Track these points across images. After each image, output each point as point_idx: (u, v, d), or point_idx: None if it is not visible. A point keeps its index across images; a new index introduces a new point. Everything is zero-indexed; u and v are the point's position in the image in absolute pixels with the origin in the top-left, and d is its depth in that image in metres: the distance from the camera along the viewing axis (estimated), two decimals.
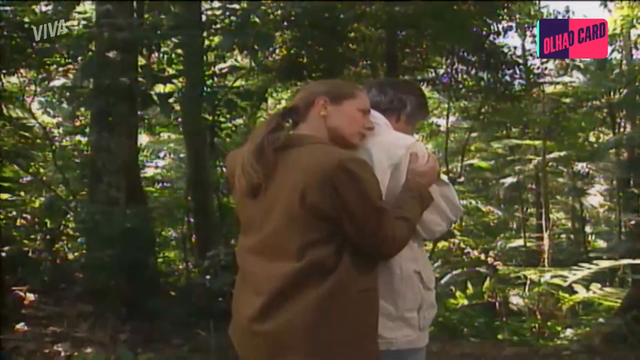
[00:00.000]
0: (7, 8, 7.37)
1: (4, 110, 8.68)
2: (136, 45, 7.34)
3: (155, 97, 7.40)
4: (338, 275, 2.05)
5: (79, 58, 7.24)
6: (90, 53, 7.22)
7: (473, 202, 13.72)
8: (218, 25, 7.87)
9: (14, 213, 8.61)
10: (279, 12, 8.77)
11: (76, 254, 8.06)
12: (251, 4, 8.06)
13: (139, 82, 7.37)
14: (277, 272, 2.08)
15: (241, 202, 2.26)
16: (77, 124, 9.81)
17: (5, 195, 8.35)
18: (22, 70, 8.60)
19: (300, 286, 2.05)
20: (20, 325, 5.44)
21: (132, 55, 7.43)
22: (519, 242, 14.58)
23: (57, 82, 9.27)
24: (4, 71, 7.95)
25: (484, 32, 10.40)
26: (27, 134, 8.96)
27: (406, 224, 2.18)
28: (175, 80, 8.72)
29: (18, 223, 8.61)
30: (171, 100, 7.93)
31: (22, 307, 5.87)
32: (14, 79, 8.99)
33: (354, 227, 2.07)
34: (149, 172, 13.14)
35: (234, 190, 2.30)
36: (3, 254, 6.48)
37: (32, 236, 8.22)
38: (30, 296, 6.13)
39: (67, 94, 7.73)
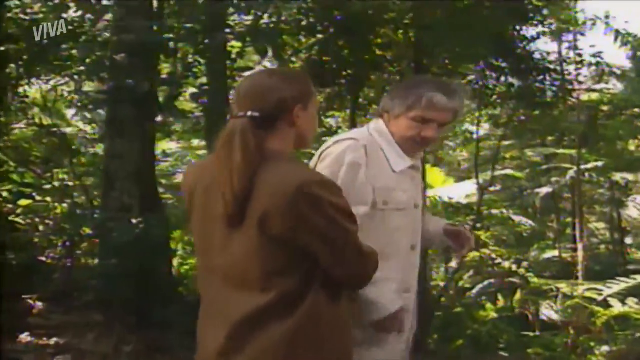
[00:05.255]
0: (28, 18, 7.38)
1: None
2: (155, 49, 7.25)
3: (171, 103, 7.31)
4: (307, 306, 1.89)
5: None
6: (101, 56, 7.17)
7: (505, 211, 13.41)
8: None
9: (37, 220, 8.62)
10: (304, 22, 8.67)
11: (90, 261, 8.01)
12: (275, 9, 7.94)
13: (157, 88, 7.30)
14: (242, 303, 1.90)
15: (203, 222, 2.04)
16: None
17: (26, 202, 8.33)
18: (45, 77, 8.64)
19: (268, 318, 1.88)
20: (24, 336, 5.35)
21: (151, 59, 7.34)
22: (554, 252, 14.23)
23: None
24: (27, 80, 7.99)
25: (516, 39, 10.11)
26: (55, 140, 8.98)
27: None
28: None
29: (41, 229, 8.61)
30: (194, 106, 7.86)
31: (30, 316, 5.79)
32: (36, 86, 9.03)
33: (327, 250, 1.91)
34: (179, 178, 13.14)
35: (192, 209, 2.09)
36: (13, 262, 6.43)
37: (54, 242, 8.21)
38: (40, 305, 6.06)
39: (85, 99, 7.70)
